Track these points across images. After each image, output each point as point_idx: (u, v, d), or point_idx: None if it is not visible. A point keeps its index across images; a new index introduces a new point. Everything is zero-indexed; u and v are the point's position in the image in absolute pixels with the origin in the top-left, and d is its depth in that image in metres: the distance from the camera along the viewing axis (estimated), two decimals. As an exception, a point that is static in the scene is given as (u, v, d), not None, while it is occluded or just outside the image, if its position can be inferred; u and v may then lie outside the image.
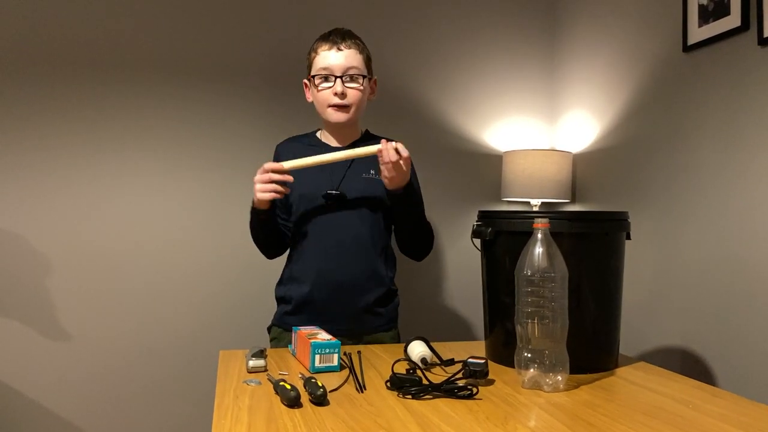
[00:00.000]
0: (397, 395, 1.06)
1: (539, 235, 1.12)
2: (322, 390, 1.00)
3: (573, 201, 2.34)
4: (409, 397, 1.05)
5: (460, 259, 2.37)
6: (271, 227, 1.54)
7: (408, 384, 1.07)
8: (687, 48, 1.77)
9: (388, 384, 1.10)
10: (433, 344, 1.42)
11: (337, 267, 1.51)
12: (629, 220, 1.32)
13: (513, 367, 1.16)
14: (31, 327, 1.98)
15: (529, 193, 2.18)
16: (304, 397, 1.03)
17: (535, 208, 2.25)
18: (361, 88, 1.53)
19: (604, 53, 2.18)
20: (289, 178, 1.42)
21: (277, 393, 1.04)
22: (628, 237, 1.32)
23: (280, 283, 1.60)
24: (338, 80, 1.50)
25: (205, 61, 2.13)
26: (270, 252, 1.61)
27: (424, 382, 1.09)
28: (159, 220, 2.08)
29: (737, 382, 1.58)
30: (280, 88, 2.19)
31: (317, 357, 1.19)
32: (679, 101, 1.82)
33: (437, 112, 2.36)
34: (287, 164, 1.42)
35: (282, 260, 1.64)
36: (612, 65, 2.13)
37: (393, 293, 1.61)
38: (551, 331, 1.10)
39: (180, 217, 2.10)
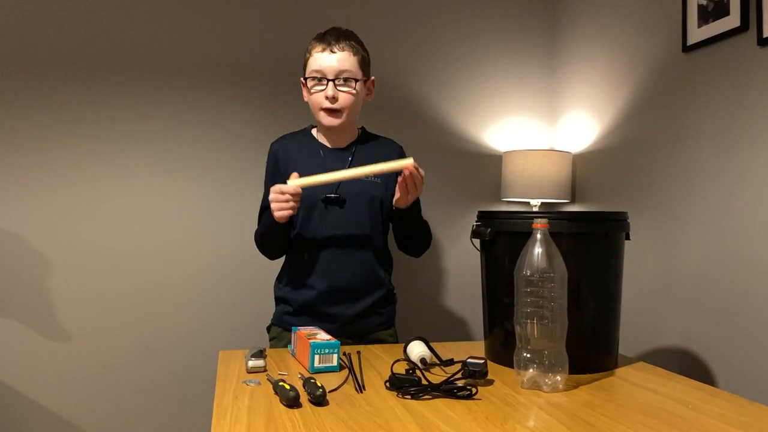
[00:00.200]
0: (397, 395, 1.06)
1: (538, 236, 1.12)
2: (321, 390, 1.00)
3: (572, 201, 2.34)
4: (409, 397, 1.05)
5: (460, 259, 2.37)
6: (286, 236, 1.53)
7: (407, 384, 1.08)
8: (686, 48, 1.77)
9: (388, 384, 1.10)
10: (433, 344, 1.42)
11: (337, 271, 1.51)
12: (629, 220, 1.32)
13: (512, 367, 1.16)
14: (30, 327, 1.98)
15: (528, 193, 2.18)
16: (304, 398, 1.03)
17: (535, 209, 2.25)
18: (354, 91, 1.49)
19: (603, 53, 2.18)
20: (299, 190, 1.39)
21: (276, 393, 1.04)
22: (628, 237, 1.32)
23: (279, 283, 1.60)
24: (330, 84, 1.47)
25: (204, 62, 2.13)
26: (275, 256, 1.60)
27: (424, 382, 1.09)
28: (159, 220, 2.08)
29: (736, 382, 1.58)
30: (280, 88, 2.19)
31: (316, 357, 1.19)
32: (678, 101, 1.82)
33: (437, 112, 2.36)
34: (302, 182, 1.37)
35: (280, 259, 1.64)
36: (612, 65, 2.13)
37: (392, 294, 1.62)
38: (550, 331, 1.10)
39: (179, 217, 2.10)
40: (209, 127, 2.13)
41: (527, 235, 1.14)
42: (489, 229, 1.31)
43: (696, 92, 1.75)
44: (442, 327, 2.36)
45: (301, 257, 1.53)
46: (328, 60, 1.47)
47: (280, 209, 1.38)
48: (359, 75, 1.50)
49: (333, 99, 1.47)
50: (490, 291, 1.33)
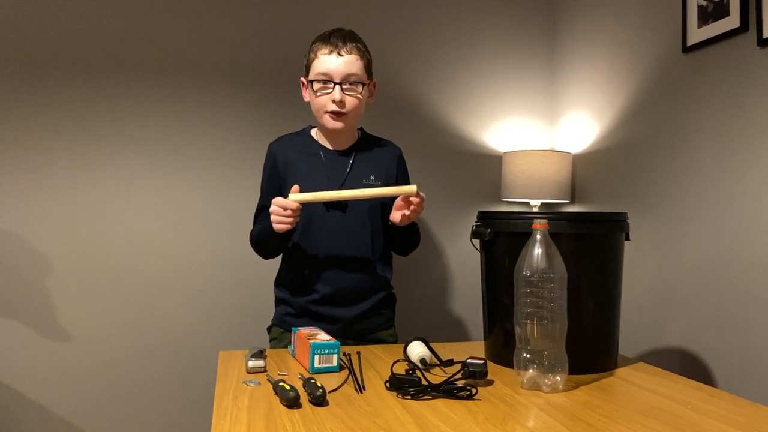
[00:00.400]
0: (397, 396, 1.06)
1: (538, 236, 1.12)
2: (321, 390, 1.00)
3: (572, 202, 2.34)
4: (409, 397, 1.05)
5: (460, 259, 2.37)
6: (284, 243, 1.52)
7: (407, 384, 1.08)
8: (686, 49, 1.77)
9: (388, 384, 1.10)
10: (433, 345, 1.42)
11: (340, 273, 1.51)
12: (628, 220, 1.32)
13: (512, 367, 1.16)
14: (30, 327, 1.98)
15: (528, 193, 2.18)
16: (304, 398, 1.03)
17: (535, 209, 2.25)
18: (360, 95, 1.49)
19: (603, 54, 2.18)
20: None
21: (276, 393, 1.04)
22: (628, 238, 1.32)
23: (279, 284, 1.60)
24: (337, 87, 1.46)
25: (204, 61, 2.13)
26: (270, 258, 1.61)
27: (424, 382, 1.09)
28: (158, 220, 2.08)
29: (736, 382, 1.58)
30: (280, 88, 2.19)
31: (317, 357, 1.19)
32: (678, 102, 1.82)
33: (437, 113, 2.36)
34: (303, 197, 1.36)
35: (278, 260, 1.63)
36: (611, 66, 2.13)
37: (392, 295, 1.62)
38: (550, 331, 1.10)
39: (179, 216, 2.11)
40: (209, 127, 2.13)
41: (527, 235, 1.14)
42: (489, 230, 1.31)
43: (696, 93, 1.75)
44: (442, 327, 2.36)
45: (302, 260, 1.52)
46: (336, 63, 1.46)
47: (280, 222, 1.38)
48: (365, 79, 1.51)
49: (341, 103, 1.47)
50: (490, 291, 1.33)
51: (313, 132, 1.61)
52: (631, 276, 1.97)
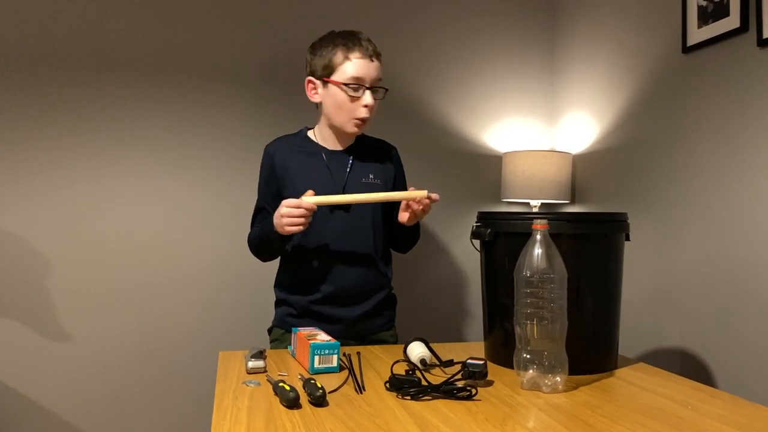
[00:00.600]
0: (396, 396, 1.06)
1: (538, 236, 1.12)
2: (321, 391, 1.00)
3: (572, 202, 2.34)
4: (408, 398, 1.05)
5: (460, 260, 2.37)
6: (284, 246, 1.51)
7: (407, 385, 1.08)
8: (686, 49, 1.77)
9: (388, 385, 1.10)
10: (433, 345, 1.42)
11: (342, 273, 1.51)
12: (628, 221, 1.32)
13: (512, 368, 1.16)
14: (30, 327, 1.98)
15: (528, 194, 2.18)
16: (303, 398, 1.03)
17: (535, 209, 2.25)
18: (380, 100, 1.52)
19: (603, 54, 2.18)
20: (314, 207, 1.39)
21: (276, 394, 1.04)
22: (628, 238, 1.32)
23: (280, 285, 1.60)
24: (368, 92, 1.46)
25: (205, 62, 2.13)
26: (268, 260, 1.61)
27: (423, 383, 1.09)
28: (158, 220, 2.08)
29: (736, 383, 1.58)
30: (280, 88, 2.19)
31: (316, 358, 1.19)
32: (678, 102, 1.82)
33: (437, 113, 2.36)
34: (319, 200, 1.37)
35: (278, 259, 1.63)
36: (611, 66, 2.13)
37: (393, 295, 1.62)
38: (550, 332, 1.10)
39: (179, 216, 2.11)
40: (209, 128, 2.14)
41: (527, 235, 1.14)
42: (489, 230, 1.31)
43: (696, 93, 1.75)
44: (442, 327, 2.36)
45: (304, 260, 1.52)
46: (369, 68, 1.47)
47: (292, 224, 1.36)
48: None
49: (372, 108, 1.48)
50: (490, 292, 1.33)
51: (311, 133, 1.60)
52: (631, 276, 1.97)
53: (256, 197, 1.63)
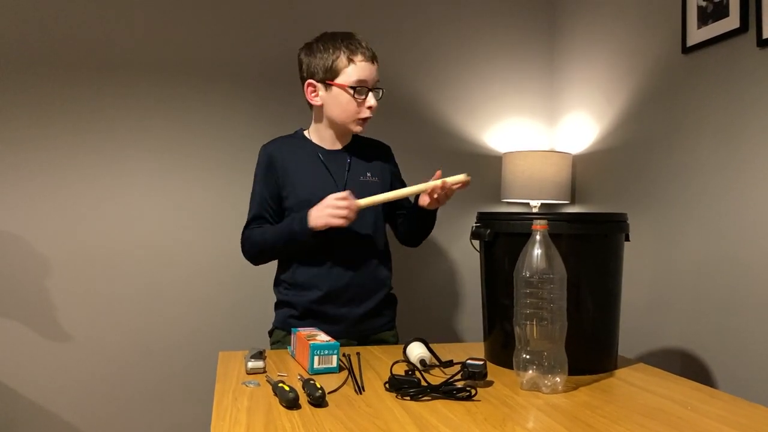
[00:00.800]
0: (396, 397, 1.06)
1: (538, 237, 1.12)
2: (320, 391, 1.00)
3: (572, 202, 2.34)
4: (408, 398, 1.05)
5: (460, 260, 2.37)
6: (309, 244, 1.50)
7: (407, 385, 1.08)
8: (686, 49, 1.77)
9: (387, 385, 1.10)
10: (432, 345, 1.42)
11: (343, 272, 1.51)
12: (628, 221, 1.32)
13: (512, 368, 1.16)
14: (30, 327, 1.98)
15: (528, 194, 2.18)
16: (303, 399, 1.03)
17: (535, 210, 2.25)
18: (379, 99, 1.54)
19: (603, 55, 2.18)
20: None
21: (275, 394, 1.04)
22: (627, 238, 1.32)
23: (281, 286, 1.59)
24: (371, 94, 1.50)
25: (205, 62, 2.13)
26: (264, 263, 1.59)
27: (423, 383, 1.09)
28: (158, 221, 2.08)
29: (736, 383, 1.58)
30: (281, 88, 2.19)
31: (316, 358, 1.19)
32: (678, 103, 1.82)
33: (437, 113, 2.36)
34: (368, 201, 1.42)
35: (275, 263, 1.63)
36: (611, 67, 2.13)
37: (393, 295, 1.63)
38: (550, 332, 1.10)
39: (179, 217, 2.11)
40: (209, 128, 2.14)
41: (527, 236, 1.14)
42: (488, 230, 1.31)
43: (696, 93, 1.75)
44: (442, 328, 2.36)
45: (306, 260, 1.52)
46: (371, 70, 1.50)
47: (336, 215, 1.37)
48: None
49: (374, 109, 1.51)
50: (490, 292, 1.33)
51: (307, 133, 1.61)
52: (631, 277, 1.97)
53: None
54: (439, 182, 1.43)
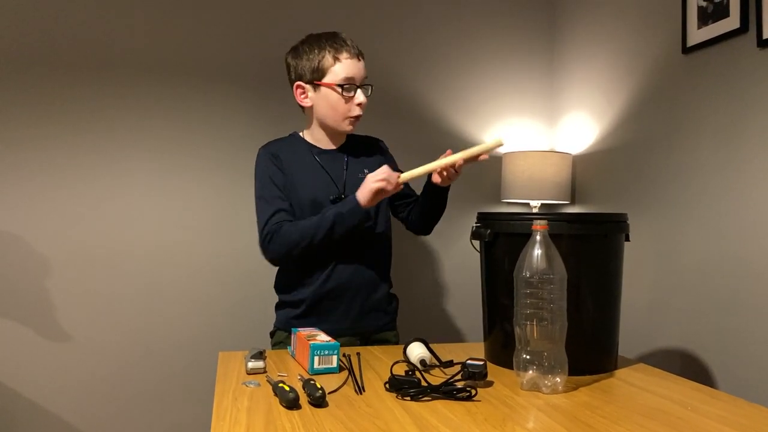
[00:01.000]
0: (396, 397, 1.06)
1: (538, 237, 1.12)
2: (320, 391, 1.00)
3: (572, 202, 2.34)
4: (408, 398, 1.05)
5: (460, 260, 2.37)
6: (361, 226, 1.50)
7: (407, 386, 1.07)
8: (686, 50, 1.77)
9: (387, 386, 1.10)
10: (432, 346, 1.42)
11: (347, 269, 1.51)
12: (628, 221, 1.32)
13: (512, 368, 1.16)
14: (30, 328, 1.98)
15: (528, 194, 2.18)
16: (303, 399, 1.03)
17: (535, 210, 2.25)
18: (368, 96, 1.54)
19: (603, 55, 2.18)
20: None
21: (275, 394, 1.04)
22: (627, 239, 1.32)
23: (282, 287, 1.59)
24: (360, 91, 1.50)
25: (206, 62, 2.13)
26: (294, 260, 1.51)
27: (423, 383, 1.09)
28: (158, 221, 2.08)
29: (736, 383, 1.58)
30: (281, 88, 2.18)
31: (316, 359, 1.19)
32: (678, 103, 1.82)
33: (437, 113, 2.36)
34: (411, 175, 1.44)
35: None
36: (611, 67, 2.13)
37: (394, 294, 1.63)
38: (550, 332, 1.10)
39: (180, 217, 2.11)
40: (211, 128, 2.14)
41: (527, 236, 1.14)
42: (489, 231, 1.31)
43: (696, 94, 1.75)
44: (442, 328, 2.36)
45: (310, 257, 1.52)
46: (358, 67, 1.49)
47: (388, 183, 1.39)
48: None
49: (364, 106, 1.51)
50: (490, 292, 1.33)
51: (301, 135, 1.61)
52: (631, 277, 1.97)
53: (256, 202, 1.59)
54: (459, 157, 1.42)
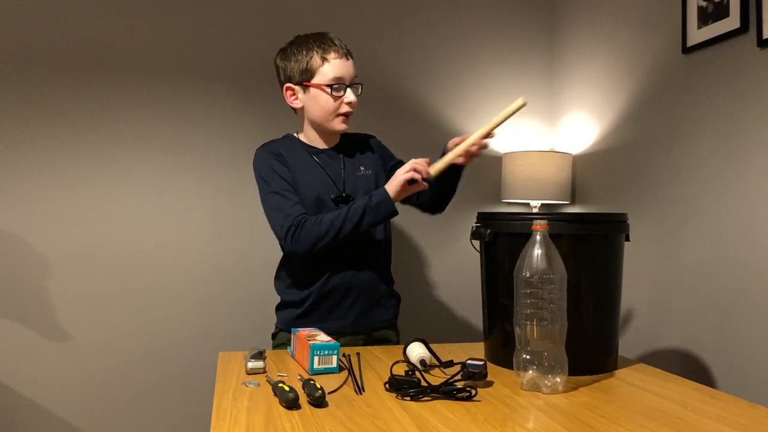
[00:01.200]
0: (396, 397, 1.06)
1: (538, 237, 1.12)
2: (320, 392, 1.00)
3: (572, 202, 2.34)
4: (408, 398, 1.05)
5: (460, 260, 2.37)
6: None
7: (407, 386, 1.07)
8: (686, 50, 1.77)
9: (387, 386, 1.10)
10: (432, 346, 1.42)
11: (349, 267, 1.51)
12: (628, 221, 1.32)
13: (512, 368, 1.16)
14: (31, 328, 1.98)
15: (528, 194, 2.18)
16: (303, 399, 1.03)
17: (535, 210, 2.25)
18: (359, 95, 1.54)
19: (603, 55, 2.18)
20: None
21: (275, 394, 1.04)
22: (628, 239, 1.32)
23: (283, 287, 1.58)
24: (350, 90, 1.50)
25: (206, 62, 2.13)
26: (319, 252, 1.47)
27: (423, 383, 1.09)
28: (159, 222, 2.08)
29: (736, 384, 1.58)
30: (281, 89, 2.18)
31: (316, 359, 1.19)
32: (678, 103, 1.82)
33: (436, 113, 2.36)
34: (441, 166, 1.42)
35: (278, 262, 1.62)
36: (612, 67, 2.13)
37: (395, 291, 1.63)
38: (550, 332, 1.10)
39: (181, 218, 2.10)
40: (212, 129, 2.13)
41: (527, 236, 1.14)
42: (489, 231, 1.31)
43: (696, 94, 1.75)
44: (442, 328, 2.36)
45: (319, 255, 1.51)
46: (346, 66, 1.49)
47: (418, 171, 1.38)
48: None
49: (354, 104, 1.51)
50: (490, 292, 1.33)
51: (296, 136, 1.60)
52: (631, 277, 1.97)
53: (258, 198, 1.58)
54: (485, 130, 1.42)
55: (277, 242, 1.51)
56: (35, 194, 1.98)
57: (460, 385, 1.08)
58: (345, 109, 1.50)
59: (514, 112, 1.40)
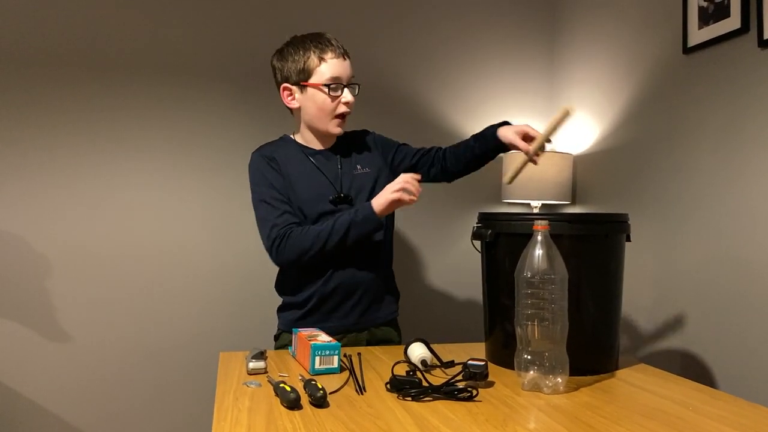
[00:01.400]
0: (397, 397, 1.06)
1: (539, 237, 1.12)
2: (321, 392, 1.00)
3: (573, 203, 2.34)
4: (409, 399, 1.05)
5: (461, 260, 2.37)
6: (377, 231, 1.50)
7: (408, 386, 1.08)
8: (687, 50, 1.77)
9: (388, 386, 1.10)
10: (433, 346, 1.42)
11: (350, 266, 1.51)
12: (629, 222, 1.32)
13: (513, 369, 1.16)
14: (31, 329, 1.98)
15: (529, 194, 2.18)
16: (304, 399, 1.03)
17: (536, 210, 2.25)
18: (356, 95, 1.53)
19: (604, 55, 2.18)
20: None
21: (276, 395, 1.04)
22: (628, 239, 1.32)
23: (284, 287, 1.58)
24: (347, 90, 1.49)
25: (206, 63, 2.13)
26: (307, 264, 1.49)
27: (424, 384, 1.09)
28: (159, 221, 2.08)
29: (737, 384, 1.58)
30: (280, 89, 2.19)
31: (317, 359, 1.19)
32: (679, 103, 1.82)
33: (437, 113, 2.36)
34: (512, 173, 1.44)
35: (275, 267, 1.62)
36: (612, 67, 2.13)
37: (394, 286, 1.64)
38: (551, 333, 1.10)
39: (181, 218, 2.11)
40: (212, 129, 2.14)
41: (528, 236, 1.14)
42: (490, 231, 1.31)
43: (696, 94, 1.75)
44: (443, 328, 2.36)
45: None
46: (343, 66, 1.49)
47: (410, 193, 1.38)
48: None
49: (351, 104, 1.50)
50: (491, 292, 1.33)
51: (293, 137, 1.60)
52: (632, 277, 1.97)
53: (256, 205, 1.57)
54: (540, 141, 1.44)
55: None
56: (35, 194, 1.98)
57: (461, 385, 1.08)
58: (342, 109, 1.50)
59: (563, 121, 1.41)
